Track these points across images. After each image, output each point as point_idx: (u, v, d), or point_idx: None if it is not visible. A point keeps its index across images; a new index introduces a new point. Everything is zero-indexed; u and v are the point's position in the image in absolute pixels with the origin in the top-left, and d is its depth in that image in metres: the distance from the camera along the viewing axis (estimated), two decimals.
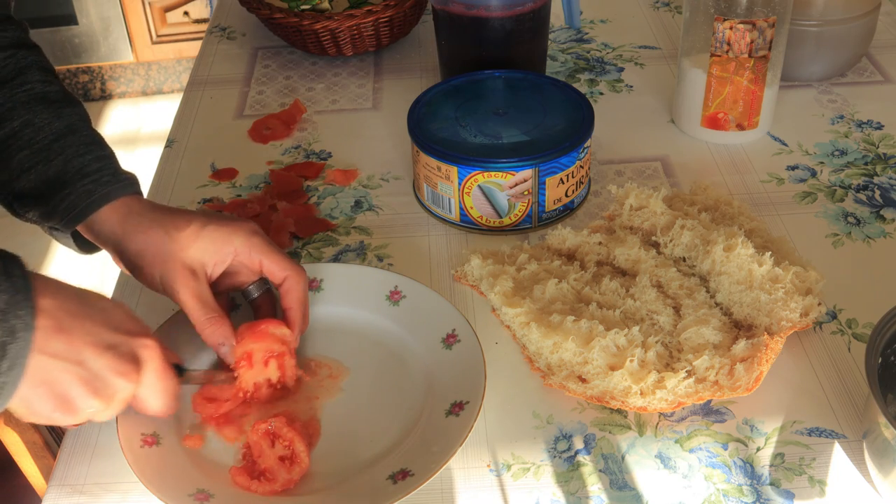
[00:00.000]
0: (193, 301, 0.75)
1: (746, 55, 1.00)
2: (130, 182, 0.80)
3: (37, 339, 0.60)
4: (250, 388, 0.76)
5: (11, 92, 0.80)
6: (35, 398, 0.63)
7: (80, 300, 0.65)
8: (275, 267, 0.78)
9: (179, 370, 0.72)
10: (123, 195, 0.78)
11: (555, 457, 0.73)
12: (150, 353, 0.67)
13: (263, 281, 0.82)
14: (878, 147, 1.07)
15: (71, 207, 0.77)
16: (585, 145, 0.94)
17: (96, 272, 2.35)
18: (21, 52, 0.82)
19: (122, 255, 0.77)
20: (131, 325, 0.67)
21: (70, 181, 0.77)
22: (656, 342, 0.77)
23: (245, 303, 0.84)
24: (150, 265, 0.75)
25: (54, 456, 0.97)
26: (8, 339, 0.59)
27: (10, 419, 0.97)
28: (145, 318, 0.85)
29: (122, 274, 0.92)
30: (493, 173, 0.91)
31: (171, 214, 0.77)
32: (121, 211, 0.78)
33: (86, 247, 0.83)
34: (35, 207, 0.78)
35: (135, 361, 0.66)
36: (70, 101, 0.82)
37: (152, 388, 0.68)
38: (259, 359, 0.76)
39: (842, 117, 1.12)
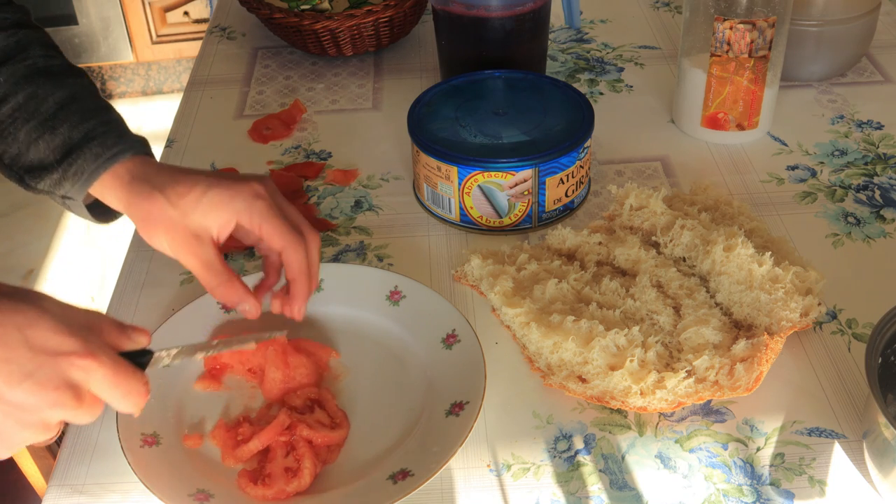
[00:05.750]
0: (201, 268, 0.74)
1: (746, 55, 1.00)
2: (139, 142, 0.79)
3: None
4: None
5: (14, 68, 0.80)
6: None
7: None
8: (273, 235, 0.75)
9: (144, 355, 0.64)
10: (132, 156, 0.77)
11: (555, 457, 0.73)
12: (87, 371, 0.57)
13: None
14: (878, 147, 1.07)
15: (80, 171, 0.76)
16: (585, 145, 0.94)
17: (97, 272, 2.35)
18: (23, 31, 0.82)
19: (132, 221, 0.76)
20: (57, 343, 0.57)
21: (77, 146, 0.77)
22: (656, 342, 0.77)
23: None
24: (155, 232, 0.75)
25: (54, 456, 0.97)
26: None
27: None
28: (145, 317, 0.86)
29: (122, 272, 0.92)
30: (493, 173, 0.91)
31: (174, 178, 0.75)
32: (124, 178, 0.76)
33: (102, 216, 0.82)
34: (45, 177, 0.78)
35: (65, 386, 0.56)
36: (73, 73, 0.82)
37: (109, 398, 0.60)
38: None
39: (842, 117, 1.12)
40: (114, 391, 0.59)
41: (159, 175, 0.76)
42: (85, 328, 0.59)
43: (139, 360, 0.63)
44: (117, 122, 0.80)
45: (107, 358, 0.58)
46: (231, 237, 0.77)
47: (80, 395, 0.57)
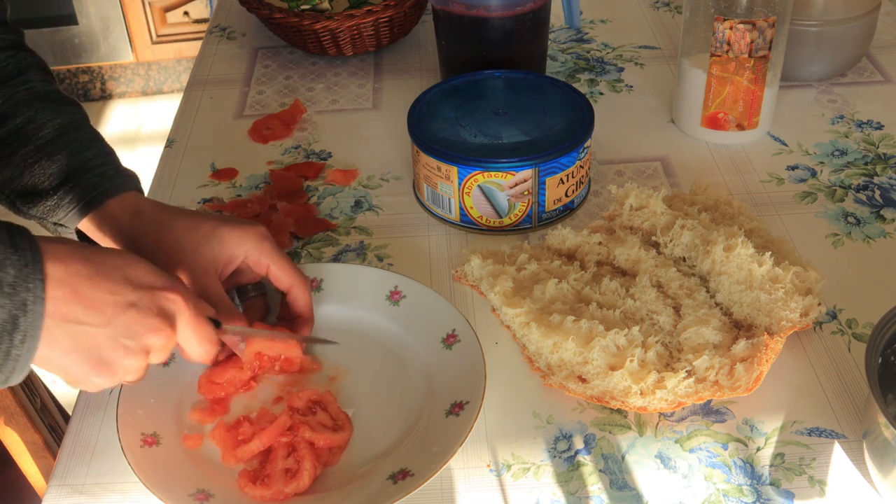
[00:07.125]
0: (209, 300, 0.75)
1: (746, 55, 1.00)
2: (133, 178, 0.81)
3: (54, 309, 0.60)
4: (255, 365, 0.78)
5: (13, 90, 0.80)
6: (71, 365, 0.62)
7: (94, 261, 0.63)
8: (282, 274, 0.79)
9: (215, 323, 0.71)
10: (127, 190, 0.79)
11: (555, 457, 0.73)
12: (177, 305, 0.66)
13: (261, 283, 0.82)
14: (878, 147, 1.07)
15: (76, 201, 0.77)
16: (585, 145, 0.94)
17: None
18: (21, 53, 0.83)
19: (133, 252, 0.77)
20: (153, 280, 0.65)
21: (74, 175, 0.78)
22: (656, 342, 0.77)
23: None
24: (163, 265, 0.75)
25: (54, 456, 0.97)
26: (19, 312, 0.58)
27: (11, 419, 0.97)
28: None
29: None
30: (493, 173, 0.91)
31: (182, 216, 0.78)
32: (128, 210, 0.78)
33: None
34: (39, 203, 0.78)
35: (162, 315, 0.65)
36: (69, 101, 0.83)
37: (188, 338, 0.68)
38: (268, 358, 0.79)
39: (842, 117, 1.12)
40: (194, 333, 0.68)
41: (165, 211, 0.78)
42: (173, 276, 0.68)
43: None
44: (112, 155, 0.82)
45: (192, 300, 0.68)
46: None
47: (174, 325, 0.66)
